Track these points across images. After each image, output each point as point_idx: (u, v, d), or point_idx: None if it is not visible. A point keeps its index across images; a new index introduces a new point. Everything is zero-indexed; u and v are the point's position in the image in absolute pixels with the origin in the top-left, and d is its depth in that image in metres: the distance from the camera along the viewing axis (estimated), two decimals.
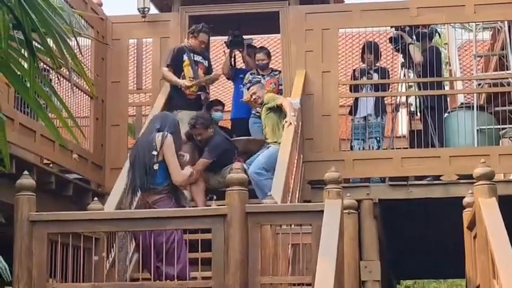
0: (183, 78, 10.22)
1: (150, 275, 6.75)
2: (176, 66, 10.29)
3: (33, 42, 3.80)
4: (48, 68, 8.46)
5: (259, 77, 10.89)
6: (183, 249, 7.02)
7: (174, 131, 7.43)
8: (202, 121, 9.72)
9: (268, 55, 11.18)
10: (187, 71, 10.30)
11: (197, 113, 9.90)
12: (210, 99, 10.94)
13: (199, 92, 10.30)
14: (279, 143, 9.25)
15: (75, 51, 4.03)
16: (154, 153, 7.21)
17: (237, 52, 11.81)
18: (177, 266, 6.67)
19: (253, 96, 10.09)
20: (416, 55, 10.89)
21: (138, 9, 11.07)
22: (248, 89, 10.57)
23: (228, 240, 5.86)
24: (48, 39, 3.86)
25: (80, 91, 10.20)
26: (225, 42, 11.71)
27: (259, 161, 9.50)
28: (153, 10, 11.68)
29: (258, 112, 10.52)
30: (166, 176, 7.24)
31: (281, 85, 10.82)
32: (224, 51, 11.61)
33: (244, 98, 10.65)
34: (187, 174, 7.44)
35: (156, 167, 7.19)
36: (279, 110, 9.64)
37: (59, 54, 3.81)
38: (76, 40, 3.97)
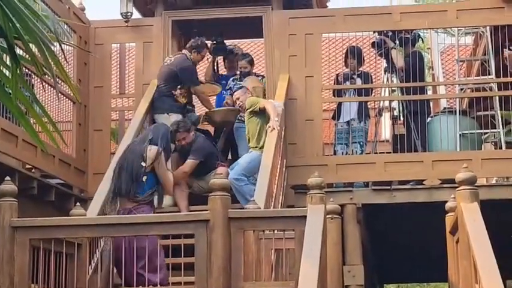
0: (181, 88, 10.23)
1: (121, 279, 6.77)
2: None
3: (17, 49, 3.78)
4: (30, 73, 8.43)
5: (241, 83, 10.90)
6: (161, 255, 7.02)
7: (166, 146, 7.49)
8: (184, 124, 9.72)
9: (251, 63, 11.18)
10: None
11: (176, 120, 9.89)
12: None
13: (189, 107, 10.40)
14: (260, 148, 9.25)
15: (59, 57, 4.02)
16: (143, 164, 7.23)
17: (219, 58, 11.79)
18: (160, 272, 6.67)
19: (237, 102, 10.08)
20: (399, 60, 10.92)
21: (121, 14, 11.05)
22: (231, 94, 10.58)
23: (210, 246, 5.85)
24: (32, 46, 3.85)
25: (62, 96, 10.15)
26: (207, 48, 11.70)
27: (239, 167, 9.48)
28: (136, 15, 11.67)
29: (241, 117, 10.51)
30: (152, 186, 7.27)
31: (264, 89, 10.80)
32: (207, 58, 11.60)
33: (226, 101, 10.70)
34: (172, 181, 7.56)
35: (144, 179, 7.21)
36: (262, 115, 9.61)
37: (43, 61, 3.80)
38: (61, 47, 3.96)
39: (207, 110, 10.78)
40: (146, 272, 6.46)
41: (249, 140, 9.77)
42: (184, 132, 9.68)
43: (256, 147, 9.49)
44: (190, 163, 9.62)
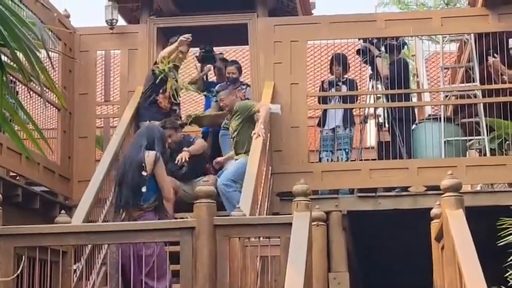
0: (164, 92, 10.15)
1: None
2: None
3: (2, 56, 3.76)
4: (14, 80, 8.41)
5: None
6: (167, 263, 6.95)
7: (163, 150, 7.42)
8: (170, 122, 9.74)
9: (239, 69, 11.20)
10: (169, 86, 10.27)
11: (164, 119, 9.89)
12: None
13: (175, 108, 10.31)
14: (245, 153, 9.27)
15: (46, 65, 4.00)
16: (144, 173, 7.16)
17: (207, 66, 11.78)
18: (165, 281, 6.64)
19: (221, 103, 10.08)
20: (384, 68, 10.95)
21: (106, 21, 11.03)
22: (216, 101, 10.60)
23: (196, 253, 5.84)
24: (18, 53, 3.83)
25: (47, 103, 10.12)
26: (196, 56, 11.69)
27: (228, 173, 9.48)
28: (121, 22, 11.65)
29: (226, 124, 10.53)
30: (154, 193, 7.20)
31: (248, 99, 10.78)
32: (195, 66, 11.60)
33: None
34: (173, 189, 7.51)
35: (144, 189, 7.14)
36: (253, 122, 9.59)
37: (30, 68, 3.78)
38: (48, 55, 3.95)
39: (193, 113, 10.78)
40: (154, 280, 6.40)
41: (236, 144, 9.71)
42: (171, 130, 9.66)
43: (245, 153, 9.47)
44: (198, 142, 9.81)
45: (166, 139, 9.42)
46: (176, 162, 9.51)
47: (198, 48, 11.55)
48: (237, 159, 9.63)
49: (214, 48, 11.65)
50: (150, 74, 10.28)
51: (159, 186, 7.23)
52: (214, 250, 5.85)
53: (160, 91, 10.18)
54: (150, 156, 7.20)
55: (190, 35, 10.18)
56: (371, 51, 11.02)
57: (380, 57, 11.02)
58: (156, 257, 6.62)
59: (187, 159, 9.60)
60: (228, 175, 9.42)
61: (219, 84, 11.20)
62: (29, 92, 4.82)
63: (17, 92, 9.12)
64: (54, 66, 10.46)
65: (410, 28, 10.85)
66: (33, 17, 4.00)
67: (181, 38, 10.12)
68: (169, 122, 9.72)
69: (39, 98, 9.40)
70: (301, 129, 10.65)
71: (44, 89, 3.94)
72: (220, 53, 11.86)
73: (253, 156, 8.78)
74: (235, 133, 9.76)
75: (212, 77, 12.38)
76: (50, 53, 4.05)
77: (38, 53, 3.82)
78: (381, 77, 11.03)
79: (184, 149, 9.71)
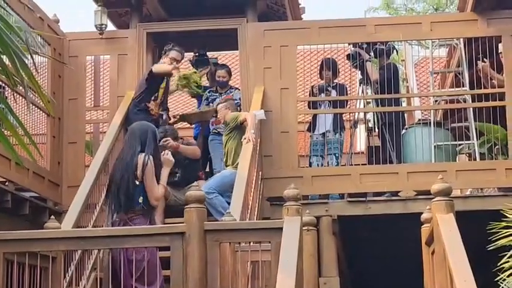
0: (155, 99, 10.14)
1: None
2: (154, 85, 10.18)
3: None
4: (3, 85, 8.38)
5: (216, 94, 10.91)
6: (158, 268, 6.91)
7: (155, 152, 7.33)
8: (171, 131, 9.78)
9: (229, 73, 11.20)
10: (161, 93, 10.28)
11: (164, 127, 9.89)
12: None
13: (162, 112, 10.30)
14: (233, 166, 9.27)
15: (32, 69, 3.99)
16: (136, 181, 7.11)
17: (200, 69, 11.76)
18: (155, 286, 6.60)
19: (218, 117, 10.12)
20: (374, 73, 10.97)
21: (96, 26, 11.02)
22: (207, 105, 10.65)
23: (186, 258, 5.82)
24: (4, 57, 3.81)
25: (37, 109, 10.09)
26: (189, 60, 11.68)
27: (212, 181, 9.48)
28: (111, 27, 11.64)
29: (215, 129, 10.54)
30: (143, 197, 7.15)
31: (234, 100, 10.72)
32: (189, 70, 11.59)
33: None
34: (162, 195, 7.39)
35: (136, 191, 7.09)
36: (241, 132, 9.59)
37: (15, 72, 3.77)
38: (32, 59, 3.93)
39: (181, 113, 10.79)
40: (145, 284, 6.36)
41: (226, 156, 9.73)
42: (170, 137, 9.70)
43: (229, 165, 9.50)
44: (193, 148, 9.86)
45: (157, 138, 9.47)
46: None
47: (191, 53, 11.55)
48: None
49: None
50: (142, 81, 10.26)
51: (147, 191, 7.17)
52: (204, 255, 5.84)
53: (152, 98, 10.17)
54: (139, 159, 7.16)
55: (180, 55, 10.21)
56: (361, 55, 11.03)
57: (370, 61, 11.04)
58: (147, 262, 6.60)
59: (170, 148, 9.58)
60: (211, 184, 9.41)
61: (209, 89, 11.20)
62: (13, 97, 4.78)
63: (6, 97, 9.08)
64: (44, 72, 10.43)
65: (399, 33, 10.88)
66: (20, 22, 3.98)
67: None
68: (170, 131, 9.72)
69: (28, 103, 9.36)
70: (291, 134, 10.65)
71: (32, 94, 3.93)
72: (214, 58, 11.85)
73: (243, 161, 8.78)
74: (224, 144, 9.79)
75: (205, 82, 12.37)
76: (39, 58, 4.03)
77: (25, 59, 3.80)
78: (370, 82, 11.05)
79: (176, 143, 9.69)
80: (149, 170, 7.16)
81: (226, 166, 9.67)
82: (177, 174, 9.63)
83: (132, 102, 10.30)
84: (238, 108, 10.56)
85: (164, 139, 9.46)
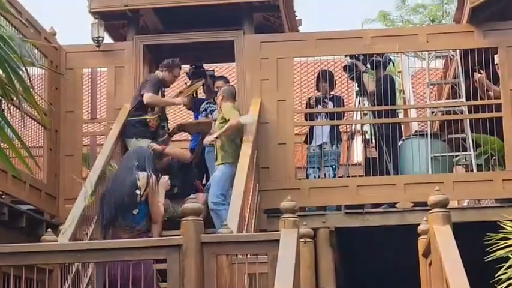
0: (152, 111, 10.17)
1: None
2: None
3: None
4: (0, 98, 8.37)
5: (214, 106, 10.89)
6: (154, 281, 6.87)
7: (154, 170, 7.35)
8: (166, 140, 9.83)
9: (227, 83, 11.19)
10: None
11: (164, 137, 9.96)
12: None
13: (163, 124, 10.34)
14: (226, 163, 9.35)
15: (27, 81, 3.98)
16: (138, 192, 7.10)
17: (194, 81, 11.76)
18: None
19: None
20: (370, 85, 10.98)
21: (93, 38, 11.02)
22: (205, 116, 10.66)
23: (183, 271, 5.81)
24: None
25: (33, 121, 10.08)
26: (186, 73, 11.69)
27: (215, 187, 9.48)
28: (108, 39, 11.64)
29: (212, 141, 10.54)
30: (146, 215, 7.15)
31: None
32: (185, 82, 11.60)
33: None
34: (163, 213, 7.42)
35: (135, 211, 7.08)
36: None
37: (10, 85, 3.76)
38: (26, 71, 3.92)
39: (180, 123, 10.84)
40: None
41: (217, 150, 9.78)
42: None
43: (223, 163, 9.55)
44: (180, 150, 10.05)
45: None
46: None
47: (187, 65, 11.56)
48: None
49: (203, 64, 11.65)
50: (138, 94, 10.27)
51: (150, 209, 7.19)
52: (201, 268, 5.82)
53: (149, 109, 10.18)
54: (143, 177, 7.15)
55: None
56: (357, 67, 11.04)
57: (366, 72, 11.05)
58: (144, 276, 6.58)
59: (157, 148, 9.66)
60: (215, 191, 9.41)
61: (206, 101, 11.20)
62: (9, 109, 4.79)
63: (3, 109, 9.06)
64: (41, 84, 10.43)
65: (396, 45, 10.89)
66: (11, 32, 3.97)
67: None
68: (167, 141, 9.82)
69: (25, 116, 9.35)
70: (288, 146, 10.65)
71: (29, 107, 3.92)
72: (211, 70, 11.87)
73: (240, 173, 8.78)
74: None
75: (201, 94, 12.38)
76: (36, 70, 4.03)
77: (19, 71, 3.80)
78: (367, 94, 11.05)
79: (162, 146, 9.87)
80: (153, 188, 7.18)
81: (217, 163, 9.69)
82: (175, 187, 9.64)
83: (129, 113, 10.30)
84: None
85: (149, 145, 9.50)
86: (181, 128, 10.92)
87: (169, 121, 11.09)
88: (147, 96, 10.06)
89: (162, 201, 7.51)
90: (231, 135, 9.65)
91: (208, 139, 9.77)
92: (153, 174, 7.22)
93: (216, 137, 9.69)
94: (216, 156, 9.74)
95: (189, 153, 10.18)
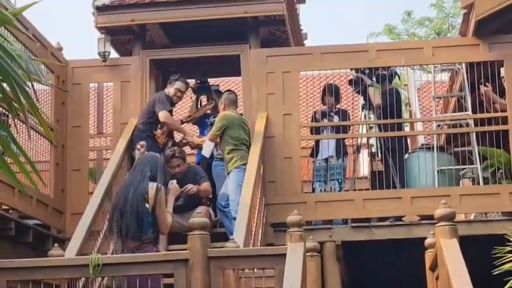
0: (162, 127, 10.24)
1: None
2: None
3: None
4: (7, 113, 8.40)
5: None
6: None
7: (165, 179, 7.32)
8: (180, 152, 9.89)
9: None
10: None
11: (172, 148, 10.04)
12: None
13: (171, 142, 10.38)
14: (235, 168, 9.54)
15: (33, 98, 4.00)
16: (147, 205, 7.08)
17: (203, 97, 11.78)
18: None
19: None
20: (376, 98, 10.98)
21: (99, 53, 11.05)
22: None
23: (190, 285, 5.82)
24: (5, 85, 3.83)
25: (40, 136, 10.11)
26: (191, 87, 11.72)
27: (232, 197, 9.58)
28: (114, 54, 11.68)
29: (220, 155, 10.53)
30: (152, 225, 7.12)
31: None
32: (191, 97, 11.62)
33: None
34: (170, 223, 7.38)
35: (148, 219, 7.06)
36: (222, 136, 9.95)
37: (17, 102, 3.78)
38: (33, 87, 3.94)
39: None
40: None
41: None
42: (180, 159, 9.79)
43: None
44: (207, 185, 9.89)
45: (169, 163, 9.64)
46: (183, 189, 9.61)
47: (193, 80, 11.58)
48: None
49: (208, 79, 11.66)
50: (149, 109, 10.30)
51: (158, 220, 7.15)
52: (208, 282, 5.83)
53: (159, 126, 10.22)
54: (152, 188, 7.13)
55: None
56: (363, 80, 11.05)
57: (372, 86, 11.06)
58: None
59: (192, 192, 9.71)
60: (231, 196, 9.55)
61: (213, 115, 11.21)
62: (15, 125, 4.81)
63: (9, 124, 9.11)
64: (47, 100, 10.47)
65: (402, 58, 10.90)
66: (19, 49, 4.01)
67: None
68: (179, 151, 9.82)
69: (32, 131, 9.38)
70: (294, 159, 10.65)
71: (34, 121, 3.93)
72: (216, 85, 11.88)
73: (246, 187, 8.78)
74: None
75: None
76: (43, 86, 4.05)
77: (26, 87, 3.81)
78: (373, 107, 11.06)
79: (196, 186, 9.77)
80: (162, 199, 7.15)
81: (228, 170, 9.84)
82: (180, 199, 9.66)
83: (136, 128, 10.33)
84: None
85: (186, 187, 9.59)
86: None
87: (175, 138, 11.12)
88: (165, 116, 10.18)
89: (170, 210, 7.45)
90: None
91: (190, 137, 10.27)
92: (162, 186, 7.19)
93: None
94: (227, 168, 9.83)
95: (210, 187, 10.18)
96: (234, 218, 9.11)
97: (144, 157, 7.78)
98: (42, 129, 7.85)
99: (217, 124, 10.02)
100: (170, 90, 10.44)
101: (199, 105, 11.59)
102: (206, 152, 10.13)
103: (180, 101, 10.96)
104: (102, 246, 8.26)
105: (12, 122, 9.17)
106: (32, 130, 9.25)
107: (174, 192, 7.71)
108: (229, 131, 9.93)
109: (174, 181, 7.85)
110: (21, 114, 3.90)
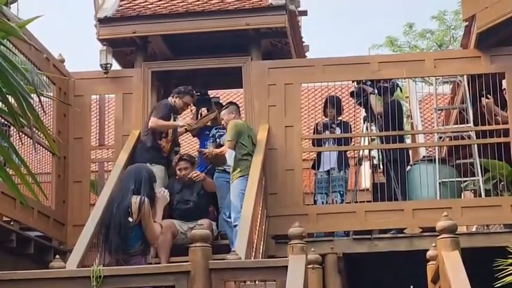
0: (166, 136, 10.25)
1: None
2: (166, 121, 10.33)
3: None
4: (8, 123, 8.40)
5: (223, 131, 10.90)
6: None
7: (150, 192, 7.22)
8: (189, 156, 9.90)
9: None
10: (171, 131, 10.39)
11: (180, 154, 10.19)
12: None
13: (176, 149, 10.40)
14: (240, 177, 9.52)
15: (39, 110, 4.01)
16: (130, 219, 7.03)
17: (203, 109, 11.79)
18: None
19: (222, 122, 10.37)
20: (377, 106, 10.99)
21: (101, 65, 11.07)
22: (213, 142, 10.69)
23: None
24: (10, 98, 3.83)
25: (42, 148, 10.12)
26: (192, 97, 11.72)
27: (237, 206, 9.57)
28: (116, 66, 11.70)
29: (223, 165, 10.54)
30: (140, 237, 7.08)
31: None
32: (191, 109, 11.62)
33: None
34: (159, 234, 7.31)
35: (132, 233, 7.02)
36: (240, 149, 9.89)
37: (22, 114, 3.78)
38: (40, 100, 3.95)
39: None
40: None
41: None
42: (188, 163, 9.86)
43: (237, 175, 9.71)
44: (210, 181, 10.09)
45: (176, 165, 9.76)
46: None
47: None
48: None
49: (208, 91, 11.67)
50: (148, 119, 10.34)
51: (145, 233, 7.08)
52: None
53: (163, 135, 10.24)
54: (135, 202, 7.04)
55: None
56: (365, 91, 11.06)
57: (374, 93, 11.06)
58: None
59: (199, 178, 9.94)
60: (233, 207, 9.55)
61: (216, 127, 11.21)
62: (19, 137, 4.81)
63: (10, 135, 9.11)
64: (49, 111, 10.47)
65: (403, 70, 10.91)
66: (26, 62, 4.02)
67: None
68: (187, 155, 9.85)
69: (32, 142, 9.39)
70: (296, 171, 10.66)
71: (38, 133, 3.94)
72: (217, 97, 11.88)
73: (248, 198, 8.78)
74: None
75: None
76: (43, 97, 4.05)
77: (30, 99, 3.82)
78: (375, 119, 11.06)
79: (203, 174, 10.08)
80: (147, 211, 7.05)
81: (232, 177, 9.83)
82: (191, 202, 9.72)
83: (140, 140, 10.34)
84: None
85: (193, 173, 9.83)
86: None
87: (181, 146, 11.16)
88: (151, 121, 10.24)
89: (159, 220, 7.37)
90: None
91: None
92: (146, 198, 7.09)
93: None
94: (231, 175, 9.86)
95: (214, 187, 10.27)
96: (235, 226, 9.12)
97: (129, 169, 7.59)
98: (46, 141, 7.85)
99: (232, 131, 9.94)
100: (177, 101, 10.44)
101: (199, 117, 11.59)
102: (231, 160, 10.06)
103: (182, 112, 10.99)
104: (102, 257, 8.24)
105: (15, 133, 9.18)
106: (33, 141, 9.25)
107: (163, 201, 7.59)
108: (239, 138, 9.91)
109: (163, 189, 7.73)
110: (26, 128, 3.91)
